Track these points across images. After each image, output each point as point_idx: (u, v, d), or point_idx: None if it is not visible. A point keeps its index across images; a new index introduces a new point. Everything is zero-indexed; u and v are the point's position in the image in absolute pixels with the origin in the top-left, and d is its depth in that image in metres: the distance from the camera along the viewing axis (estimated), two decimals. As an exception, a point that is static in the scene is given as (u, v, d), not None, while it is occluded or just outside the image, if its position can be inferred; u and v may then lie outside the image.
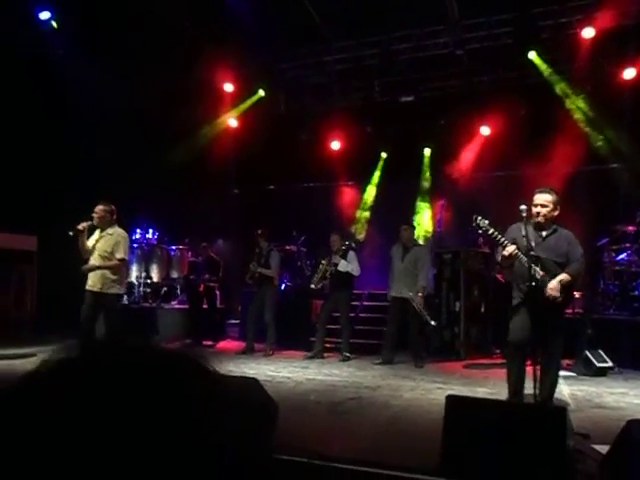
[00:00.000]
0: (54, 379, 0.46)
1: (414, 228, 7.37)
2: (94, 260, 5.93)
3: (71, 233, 5.79)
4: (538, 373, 4.17)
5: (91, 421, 0.41)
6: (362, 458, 3.21)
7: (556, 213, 4.42)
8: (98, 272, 5.89)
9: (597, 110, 9.09)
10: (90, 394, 0.43)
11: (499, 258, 4.45)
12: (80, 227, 5.79)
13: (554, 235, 4.41)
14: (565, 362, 6.57)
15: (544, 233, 4.40)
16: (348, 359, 7.26)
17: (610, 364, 6.27)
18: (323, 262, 7.60)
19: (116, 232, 6.01)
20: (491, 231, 4.44)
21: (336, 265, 7.34)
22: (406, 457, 3.32)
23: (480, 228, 4.50)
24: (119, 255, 5.96)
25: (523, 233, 4.36)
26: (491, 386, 5.49)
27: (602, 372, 6.20)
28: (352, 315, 8.21)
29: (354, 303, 8.60)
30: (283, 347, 8.23)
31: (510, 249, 4.24)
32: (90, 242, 5.97)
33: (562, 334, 4.38)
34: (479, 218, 4.51)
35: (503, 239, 4.36)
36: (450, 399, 3.15)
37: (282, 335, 8.35)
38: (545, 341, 4.36)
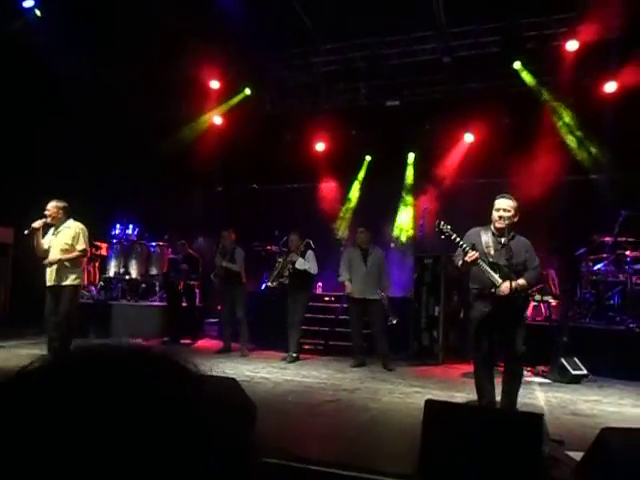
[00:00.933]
0: (30, 386, 0.45)
1: (369, 231, 7.40)
2: (53, 255, 5.83)
3: (26, 232, 5.73)
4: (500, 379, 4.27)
5: (70, 426, 0.40)
6: (340, 461, 3.21)
7: (516, 219, 4.47)
8: (55, 266, 5.80)
9: (579, 121, 9.25)
10: (68, 399, 0.42)
11: (459, 263, 4.48)
12: (36, 225, 5.74)
13: (513, 242, 4.44)
14: (540, 369, 6.68)
15: (503, 240, 4.42)
16: (295, 360, 7.23)
17: (585, 372, 6.37)
18: (279, 260, 7.61)
19: (74, 224, 5.94)
20: (454, 236, 4.50)
21: (294, 263, 7.32)
22: (384, 461, 3.33)
23: (443, 233, 4.56)
24: (80, 246, 5.89)
25: (483, 239, 4.43)
26: (468, 391, 5.51)
27: (577, 380, 6.29)
28: (332, 317, 8.22)
29: (334, 305, 8.60)
30: (262, 347, 8.20)
31: (473, 255, 4.30)
32: (46, 241, 5.89)
33: (521, 340, 4.41)
34: (442, 223, 4.59)
35: (465, 245, 4.41)
36: (429, 404, 3.16)
37: (261, 335, 8.32)
38: (506, 350, 4.43)
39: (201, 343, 8.87)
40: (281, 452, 3.03)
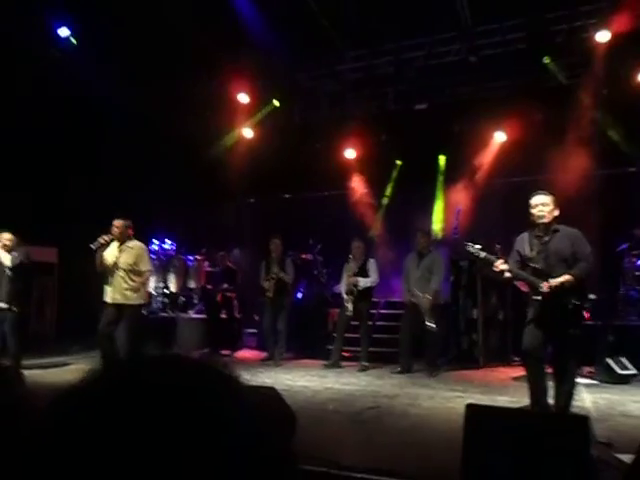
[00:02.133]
0: (87, 398, 0.47)
1: (429, 235, 7.34)
2: (119, 273, 6.02)
3: (93, 246, 5.89)
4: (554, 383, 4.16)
5: (125, 437, 0.43)
6: (381, 468, 3.20)
7: (557, 212, 4.38)
8: (120, 285, 5.99)
9: (613, 113, 9.00)
10: (123, 412, 0.44)
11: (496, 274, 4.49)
12: (102, 240, 5.90)
13: (556, 236, 4.33)
14: (587, 370, 6.50)
15: (546, 238, 4.34)
16: (366, 369, 7.18)
17: (633, 371, 6.16)
18: (346, 297, 7.51)
19: (136, 245, 6.15)
20: (482, 255, 4.51)
21: (356, 285, 7.40)
22: (426, 467, 3.30)
23: (472, 254, 4.56)
24: (145, 267, 6.11)
25: (526, 243, 4.35)
26: (511, 394, 5.42)
27: (625, 380, 6.09)
28: (370, 323, 8.20)
29: (371, 311, 8.58)
30: (300, 356, 8.23)
31: (498, 266, 4.27)
32: (109, 256, 6.07)
33: (578, 345, 4.30)
34: (470, 245, 4.60)
35: (491, 258, 4.39)
36: (470, 408, 3.12)
37: (299, 344, 8.36)
38: (557, 351, 4.33)
39: (240, 354, 8.97)
40: (322, 460, 3.05)
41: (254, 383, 6.08)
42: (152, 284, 10.24)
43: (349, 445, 3.87)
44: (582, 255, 4.30)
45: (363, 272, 7.47)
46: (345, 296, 7.46)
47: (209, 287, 9.52)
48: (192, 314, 10.06)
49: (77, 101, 9.17)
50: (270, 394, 3.48)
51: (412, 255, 7.27)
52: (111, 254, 6.11)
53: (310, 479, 3.03)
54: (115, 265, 6.03)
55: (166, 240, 10.71)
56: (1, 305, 6.31)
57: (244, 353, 9.00)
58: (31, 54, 8.38)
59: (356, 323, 7.50)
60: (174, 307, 10.11)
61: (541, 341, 4.31)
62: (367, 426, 4.43)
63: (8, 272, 6.39)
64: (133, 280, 6.05)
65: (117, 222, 6.07)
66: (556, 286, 4.17)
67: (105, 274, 6.09)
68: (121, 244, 6.09)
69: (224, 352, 8.81)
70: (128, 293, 6.00)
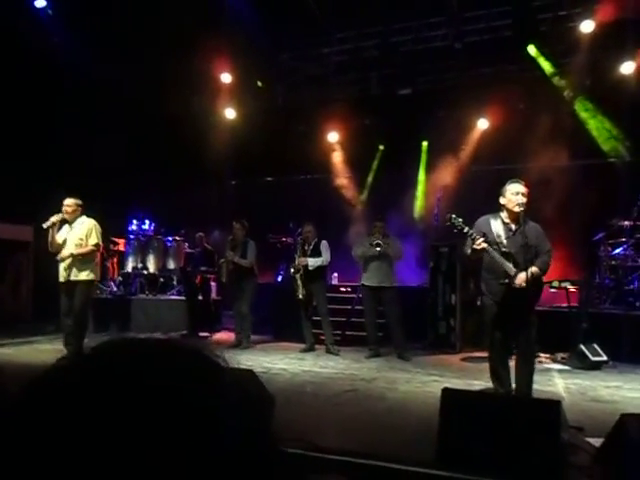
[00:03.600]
0: (60, 384, 0.46)
1: (384, 221, 7.34)
2: (67, 251, 5.92)
3: (45, 225, 5.83)
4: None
5: (100, 422, 0.42)
6: (358, 450, 3.23)
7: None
8: (68, 261, 5.89)
9: (596, 104, 9.09)
10: (99, 394, 0.43)
11: (468, 251, 4.47)
12: (54, 219, 5.85)
13: (524, 227, 4.38)
14: (560, 355, 6.63)
15: (514, 227, 4.40)
16: (336, 352, 7.22)
17: (605, 358, 6.30)
18: (295, 276, 7.46)
19: (87, 220, 6.06)
20: (465, 229, 4.49)
21: (306, 266, 7.36)
22: (402, 449, 3.34)
23: (455, 227, 4.55)
24: (92, 241, 5.99)
25: (493, 228, 4.40)
26: (487, 379, 5.47)
27: (597, 366, 6.23)
28: (349, 307, 8.22)
29: (351, 295, 8.61)
30: (279, 339, 8.25)
31: (481, 243, 4.28)
32: (61, 237, 5.98)
33: (535, 327, 4.40)
34: (453, 216, 4.59)
35: (474, 234, 4.39)
36: (446, 392, 3.17)
37: (278, 327, 8.36)
38: (519, 335, 4.41)
39: (219, 336, 8.95)
40: (300, 442, 3.06)
41: (231, 365, 6.08)
42: (130, 264, 10.15)
43: (326, 427, 3.90)
44: (544, 249, 4.42)
45: (315, 253, 7.46)
46: (291, 273, 7.47)
47: (188, 269, 9.45)
48: (171, 295, 10.00)
49: (56, 76, 8.93)
50: (247, 376, 3.48)
51: (370, 239, 7.16)
52: (61, 234, 6.02)
53: (286, 460, 3.05)
54: (65, 242, 5.93)
55: (145, 220, 10.59)
56: None
57: (223, 335, 8.99)
58: (7, 26, 8.11)
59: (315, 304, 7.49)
60: (153, 288, 10.03)
61: (505, 327, 4.41)
62: (344, 409, 4.47)
63: None
64: (81, 256, 5.95)
65: (68, 201, 5.98)
66: (526, 280, 4.26)
67: (58, 254, 5.99)
68: (71, 223, 6.00)
69: (203, 334, 8.79)
70: (77, 270, 5.89)
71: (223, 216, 10.99)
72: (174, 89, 9.84)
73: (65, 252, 5.92)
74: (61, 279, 5.96)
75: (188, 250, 10.21)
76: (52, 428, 0.42)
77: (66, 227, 6.07)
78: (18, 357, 6.32)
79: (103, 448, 0.40)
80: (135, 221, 10.49)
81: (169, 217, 10.74)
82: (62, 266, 5.96)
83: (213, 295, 9.56)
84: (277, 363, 6.50)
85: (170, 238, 10.35)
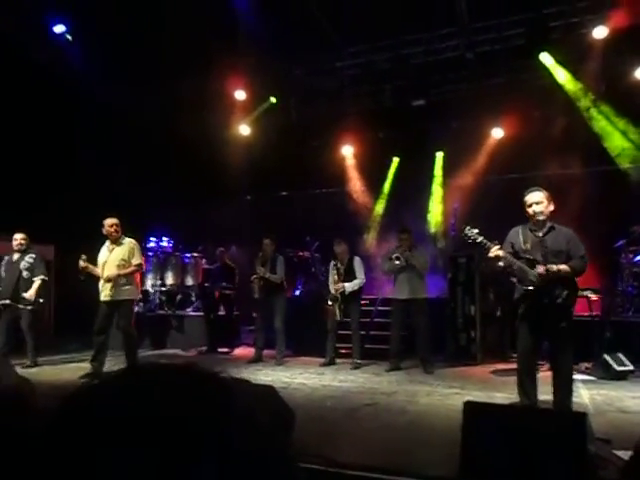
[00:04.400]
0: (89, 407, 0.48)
1: (411, 232, 7.30)
2: (109, 271, 6.06)
3: (82, 277, 6.01)
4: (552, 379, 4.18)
5: (122, 445, 0.43)
6: (379, 465, 3.20)
7: (552, 208, 4.42)
8: (112, 282, 6.03)
9: (611, 110, 9.00)
10: (117, 421, 0.45)
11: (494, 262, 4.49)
12: (82, 265, 6.04)
13: (551, 234, 4.37)
14: (584, 366, 6.51)
15: (540, 233, 4.37)
16: (359, 366, 7.18)
17: (630, 367, 6.17)
18: (330, 302, 7.44)
19: (127, 240, 6.21)
20: (480, 239, 4.50)
21: (344, 292, 7.34)
22: (424, 464, 3.30)
23: (469, 238, 4.54)
24: (136, 261, 6.15)
25: (521, 237, 4.38)
26: (509, 391, 5.41)
27: (622, 376, 6.10)
28: (368, 320, 8.19)
29: (369, 308, 8.57)
30: (298, 354, 8.23)
31: (494, 251, 4.28)
32: (101, 258, 6.13)
33: (570, 337, 4.31)
34: (467, 228, 4.59)
35: (487, 243, 4.40)
36: (468, 405, 3.12)
37: (297, 341, 8.34)
38: (553, 346, 4.34)
39: (238, 351, 8.96)
40: (319, 458, 3.04)
41: (252, 381, 6.08)
42: (149, 282, 10.24)
43: (347, 442, 3.86)
44: (577, 254, 4.34)
45: (350, 272, 7.43)
46: (330, 302, 7.42)
47: (207, 284, 9.51)
48: (190, 311, 10.05)
49: (74, 99, 9.13)
50: (268, 392, 3.48)
51: (398, 251, 7.16)
52: (103, 255, 6.15)
53: (308, 477, 3.03)
54: (106, 263, 6.08)
55: (163, 238, 10.70)
56: (21, 305, 6.73)
57: (242, 351, 8.99)
58: (27, 52, 8.33)
59: (348, 319, 7.46)
60: (171, 304, 10.10)
61: (535, 339, 4.35)
62: (364, 423, 4.43)
63: (25, 273, 6.64)
64: (125, 275, 6.09)
65: (108, 221, 6.15)
66: (552, 271, 4.19)
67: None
68: (112, 242, 6.14)
69: (222, 350, 8.81)
70: (120, 289, 6.03)
71: (239, 232, 11.07)
72: (189, 107, 9.97)
73: (108, 272, 6.04)
74: (104, 298, 6.10)
75: (206, 266, 10.28)
76: (83, 449, 0.44)
77: (104, 248, 6.22)
78: (41, 376, 6.39)
79: (118, 471, 0.42)
80: (153, 238, 10.60)
81: (186, 234, 10.83)
82: (104, 285, 6.09)
83: (233, 310, 9.58)
84: (296, 378, 6.47)
85: (188, 255, 10.43)
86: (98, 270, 6.14)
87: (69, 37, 8.96)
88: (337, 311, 7.34)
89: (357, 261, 7.50)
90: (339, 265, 7.47)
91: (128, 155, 9.80)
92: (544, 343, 4.68)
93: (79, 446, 0.44)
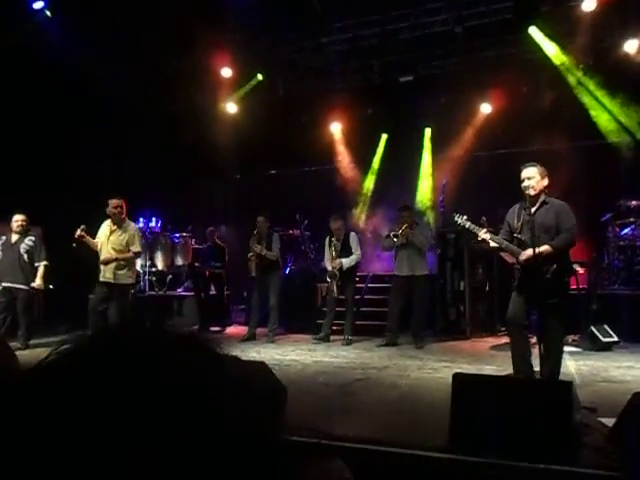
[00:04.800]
0: (60, 371, 0.47)
1: (412, 209, 7.33)
2: (108, 253, 6.02)
3: (75, 245, 5.93)
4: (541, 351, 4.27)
5: (97, 412, 0.42)
6: (372, 437, 3.26)
7: (545, 182, 4.45)
8: (112, 264, 6.00)
9: (599, 84, 9.00)
10: (97, 384, 0.43)
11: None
12: (79, 234, 5.93)
13: (542, 208, 4.41)
14: (571, 337, 6.62)
15: (532, 210, 4.41)
16: (350, 342, 7.23)
17: (615, 339, 6.30)
18: (329, 278, 7.48)
19: (130, 226, 6.18)
20: (468, 224, 4.68)
21: (341, 267, 7.34)
22: (415, 435, 3.36)
23: (459, 225, 4.68)
24: (135, 248, 6.15)
25: (515, 215, 4.46)
26: (498, 364, 5.52)
27: (608, 347, 6.23)
28: (358, 297, 8.23)
29: (360, 285, 8.62)
30: (289, 331, 8.28)
31: (482, 235, 4.43)
32: (101, 235, 6.08)
33: (560, 313, 4.37)
34: (457, 215, 4.75)
35: (474, 227, 4.59)
36: (457, 377, 3.18)
37: (288, 319, 8.39)
38: (543, 320, 4.40)
39: (230, 330, 9.00)
40: (313, 431, 3.09)
41: (244, 358, 6.13)
42: (139, 262, 10.20)
43: (339, 416, 3.92)
44: (565, 227, 4.37)
45: (346, 248, 7.46)
46: (329, 280, 7.45)
47: (197, 264, 9.50)
48: (180, 291, 10.06)
49: (57, 78, 8.94)
50: (260, 368, 3.51)
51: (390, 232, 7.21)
52: (103, 233, 6.11)
53: (302, 450, 3.08)
54: (105, 244, 6.04)
55: (152, 218, 10.63)
56: (21, 286, 6.61)
57: (233, 329, 9.04)
58: (4, 28, 8.12)
59: (342, 296, 7.50)
60: (162, 285, 10.09)
61: (524, 310, 4.45)
62: (356, 397, 4.50)
63: (25, 256, 6.57)
64: (123, 260, 6.07)
65: (114, 201, 6.10)
66: (530, 257, 4.25)
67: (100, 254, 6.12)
68: (114, 223, 6.09)
69: (213, 328, 8.84)
70: (118, 272, 6.03)
71: (229, 211, 11.03)
72: (175, 86, 9.83)
73: (106, 255, 6.01)
74: (101, 278, 6.07)
75: (196, 246, 10.25)
76: (47, 414, 0.42)
77: (106, 227, 6.15)
78: (32, 357, 6.38)
79: (96, 442, 0.40)
80: (142, 219, 10.53)
81: (175, 214, 10.77)
82: (104, 267, 6.06)
83: (224, 289, 9.60)
84: (288, 354, 6.53)
85: (177, 235, 10.39)
86: (96, 243, 6.07)
87: (48, 13, 8.74)
88: (335, 288, 7.37)
89: (353, 236, 7.52)
90: (335, 241, 7.48)
91: (114, 135, 9.66)
92: (532, 317, 4.77)
93: (41, 411, 0.42)
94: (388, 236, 7.02)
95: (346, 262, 7.34)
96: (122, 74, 9.31)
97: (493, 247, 4.60)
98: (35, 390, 0.45)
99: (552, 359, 4.36)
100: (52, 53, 8.57)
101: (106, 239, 6.09)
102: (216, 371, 0.49)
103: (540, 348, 4.43)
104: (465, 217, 4.69)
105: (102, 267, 6.09)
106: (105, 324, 6.06)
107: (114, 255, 6.01)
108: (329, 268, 7.48)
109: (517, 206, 4.57)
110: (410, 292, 7.03)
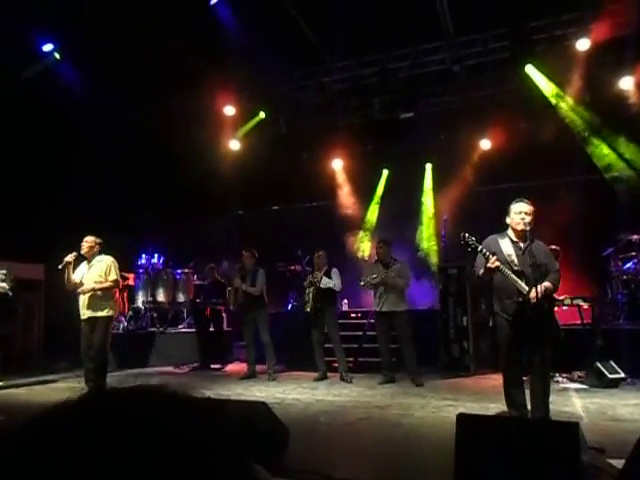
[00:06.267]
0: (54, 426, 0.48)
1: (389, 245, 7.32)
2: (87, 286, 6.01)
3: (60, 266, 5.94)
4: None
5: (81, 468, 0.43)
6: (375, 479, 3.18)
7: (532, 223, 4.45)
8: (88, 298, 5.97)
9: (596, 120, 9.14)
10: (81, 442, 0.45)
11: (480, 272, 4.44)
12: (69, 258, 5.94)
13: (532, 246, 4.39)
14: (576, 374, 6.53)
15: (522, 245, 4.39)
16: (351, 379, 7.17)
17: (622, 375, 6.20)
18: (308, 288, 7.44)
19: (105, 258, 6.16)
20: (479, 247, 4.46)
21: (318, 284, 7.29)
22: (419, 476, 3.29)
23: (469, 245, 4.51)
24: (112, 277, 6.07)
25: (503, 248, 4.39)
26: (503, 401, 5.40)
27: (614, 383, 6.12)
28: (360, 333, 8.18)
29: (362, 321, 8.57)
30: (291, 368, 8.19)
31: (493, 261, 4.26)
32: (78, 275, 6.08)
33: (551, 347, 4.33)
34: (467, 235, 4.54)
35: (486, 251, 4.38)
36: (461, 418, 3.12)
37: (290, 356, 8.30)
38: (534, 355, 4.32)
39: (231, 367, 8.90)
40: (315, 474, 3.02)
41: (245, 397, 6.04)
42: (140, 298, 10.18)
43: (342, 457, 3.84)
44: (553, 268, 4.46)
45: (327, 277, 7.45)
46: (305, 287, 7.44)
47: (198, 301, 9.46)
48: (181, 328, 10.00)
49: (63, 117, 9.12)
50: (261, 409, 3.46)
51: (375, 265, 7.19)
52: (80, 271, 6.11)
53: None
54: (83, 279, 6.02)
55: (154, 254, 10.66)
56: None
57: (235, 366, 8.94)
58: (15, 71, 8.34)
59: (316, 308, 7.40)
60: (163, 321, 10.04)
61: (519, 349, 4.37)
62: (359, 438, 4.41)
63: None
64: (101, 292, 6.02)
65: (88, 238, 6.13)
66: (541, 293, 4.23)
67: (75, 292, 6.08)
68: (89, 261, 6.10)
69: (215, 366, 8.75)
70: (98, 306, 5.97)
71: (231, 246, 11.06)
72: (179, 123, 10.01)
73: (86, 286, 6.00)
74: (83, 316, 6.03)
75: (197, 282, 10.24)
76: (45, 466, 0.43)
77: (84, 265, 6.17)
78: (32, 397, 6.31)
79: None
80: (144, 255, 10.56)
81: (177, 250, 10.81)
82: (82, 303, 6.04)
83: (224, 326, 9.54)
84: (290, 393, 6.44)
85: (179, 271, 10.40)
86: (73, 280, 6.06)
87: (57, 55, 8.97)
88: (309, 299, 7.33)
89: (334, 271, 7.46)
90: (316, 271, 7.46)
91: (119, 172, 9.78)
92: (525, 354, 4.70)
93: (39, 462, 0.44)
94: (362, 280, 7.04)
95: (325, 280, 7.29)
96: (126, 112, 9.49)
97: (489, 276, 4.47)
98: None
99: (545, 394, 4.30)
100: (59, 94, 8.78)
101: (83, 275, 6.08)
102: (182, 423, 0.50)
103: (532, 383, 4.37)
104: (474, 238, 4.56)
105: (80, 303, 6.05)
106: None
107: (90, 287, 5.97)
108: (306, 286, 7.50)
109: (497, 237, 4.49)
110: (393, 328, 6.99)
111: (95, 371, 5.90)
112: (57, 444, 0.45)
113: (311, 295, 7.35)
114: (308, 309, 7.38)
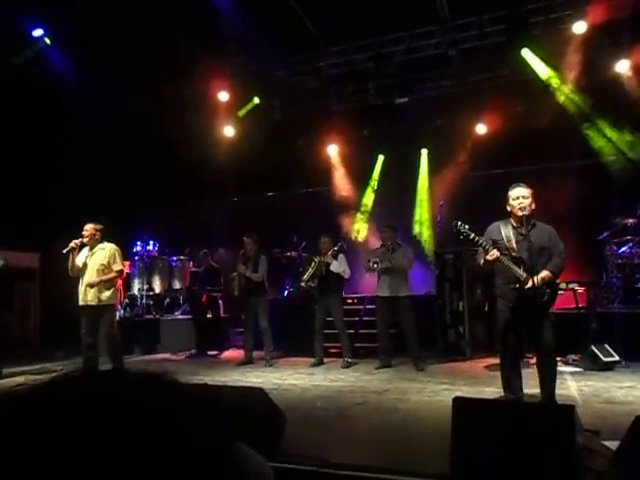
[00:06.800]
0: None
1: (395, 229, 7.31)
2: (90, 276, 6.00)
3: (64, 251, 5.91)
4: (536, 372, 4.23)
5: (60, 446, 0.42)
6: (371, 464, 3.20)
7: (533, 206, 4.43)
8: (95, 287, 5.97)
9: (592, 103, 9.10)
10: (52, 422, 0.44)
11: (481, 261, 4.45)
12: (73, 244, 5.91)
13: (534, 230, 4.40)
14: (571, 358, 6.57)
15: (524, 230, 4.38)
16: (350, 365, 7.20)
17: (617, 358, 6.25)
18: (315, 259, 7.46)
19: (108, 246, 6.13)
20: (472, 236, 4.45)
21: (328, 265, 7.23)
22: (416, 461, 3.31)
23: (461, 233, 4.50)
24: (117, 267, 6.08)
25: (503, 234, 4.39)
26: (497, 385, 5.42)
27: (609, 366, 6.17)
28: (356, 319, 8.19)
29: (358, 307, 8.59)
30: (288, 354, 8.21)
31: (494, 254, 4.26)
32: (80, 260, 6.06)
33: (552, 330, 4.36)
34: (459, 223, 4.52)
35: (484, 243, 4.37)
36: (457, 401, 3.14)
37: (287, 342, 8.33)
38: (538, 339, 4.36)
39: (228, 354, 8.93)
40: (312, 459, 3.04)
41: (242, 383, 6.06)
42: (136, 286, 10.16)
43: (339, 442, 3.87)
44: (557, 251, 4.42)
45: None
46: (312, 260, 7.43)
47: (194, 288, 9.46)
48: (178, 315, 10.00)
49: (56, 103, 9.02)
50: (258, 395, 3.47)
51: (380, 250, 7.20)
52: (82, 257, 6.10)
53: (300, 478, 3.02)
54: (85, 267, 6.01)
55: (149, 241, 10.62)
56: None
57: (232, 353, 8.96)
58: (4, 56, 8.22)
59: (331, 319, 7.43)
60: (159, 308, 10.04)
61: (517, 334, 4.40)
62: (356, 422, 4.44)
63: None
64: (107, 280, 6.02)
65: (87, 226, 6.11)
66: (539, 282, 4.24)
67: (78, 277, 6.08)
68: (92, 248, 6.08)
69: (211, 352, 8.77)
70: (100, 294, 5.97)
71: (226, 233, 11.03)
72: (173, 110, 9.92)
73: (89, 278, 5.98)
74: (81, 303, 6.03)
75: (193, 269, 10.23)
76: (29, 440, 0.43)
77: (85, 251, 6.16)
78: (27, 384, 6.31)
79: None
80: (139, 242, 10.53)
81: (173, 237, 10.77)
82: (83, 290, 6.02)
83: (220, 313, 9.55)
84: (287, 379, 6.46)
85: (175, 258, 10.38)
86: (77, 264, 6.05)
87: (48, 40, 8.84)
88: (311, 272, 7.34)
89: (341, 257, 7.44)
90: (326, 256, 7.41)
91: (112, 159, 9.71)
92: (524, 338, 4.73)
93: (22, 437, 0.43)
94: (369, 261, 7.02)
95: (335, 264, 7.25)
96: (121, 98, 9.40)
97: (490, 267, 4.50)
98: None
99: (550, 378, 4.33)
100: (51, 79, 8.67)
101: (85, 261, 6.07)
102: (168, 410, 0.49)
103: (537, 368, 4.41)
104: (468, 226, 4.54)
105: (81, 291, 6.05)
106: (96, 354, 6.04)
107: (98, 279, 5.98)
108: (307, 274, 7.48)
109: (500, 224, 4.49)
110: (395, 313, 7.00)
111: (111, 358, 6.03)
112: (47, 421, 0.44)
113: (314, 269, 7.31)
114: (303, 283, 7.36)
